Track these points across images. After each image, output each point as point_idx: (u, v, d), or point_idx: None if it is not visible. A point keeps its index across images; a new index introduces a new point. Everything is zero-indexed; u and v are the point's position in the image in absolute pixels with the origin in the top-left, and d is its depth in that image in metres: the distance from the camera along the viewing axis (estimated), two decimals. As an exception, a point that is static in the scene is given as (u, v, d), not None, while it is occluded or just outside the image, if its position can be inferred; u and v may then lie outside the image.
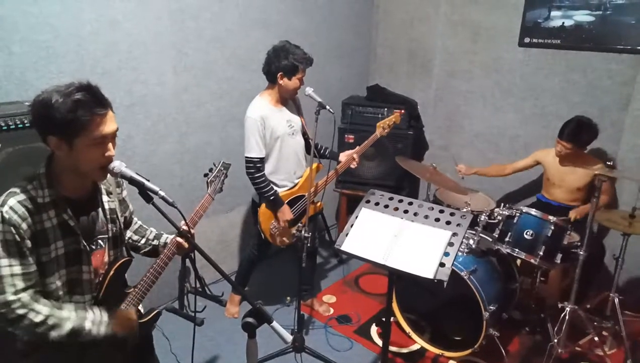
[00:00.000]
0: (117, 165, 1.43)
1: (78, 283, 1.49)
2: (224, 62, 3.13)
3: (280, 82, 2.66)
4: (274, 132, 2.72)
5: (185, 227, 1.68)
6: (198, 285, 3.22)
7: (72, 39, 2.37)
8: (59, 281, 1.44)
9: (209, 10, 2.96)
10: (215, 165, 2.04)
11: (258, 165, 2.71)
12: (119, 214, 1.63)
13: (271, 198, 2.74)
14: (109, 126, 1.38)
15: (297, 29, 3.50)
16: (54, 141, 1.34)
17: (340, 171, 2.96)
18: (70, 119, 1.30)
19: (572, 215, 2.95)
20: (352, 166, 2.96)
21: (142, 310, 1.72)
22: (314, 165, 2.89)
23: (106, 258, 1.59)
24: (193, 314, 3.06)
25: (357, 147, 2.99)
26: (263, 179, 2.72)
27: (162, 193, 1.45)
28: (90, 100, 1.33)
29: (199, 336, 2.85)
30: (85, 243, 1.48)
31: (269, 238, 2.86)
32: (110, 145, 1.41)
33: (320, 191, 2.90)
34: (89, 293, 1.52)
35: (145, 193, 1.47)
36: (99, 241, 1.55)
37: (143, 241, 1.81)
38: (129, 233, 1.78)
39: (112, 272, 1.58)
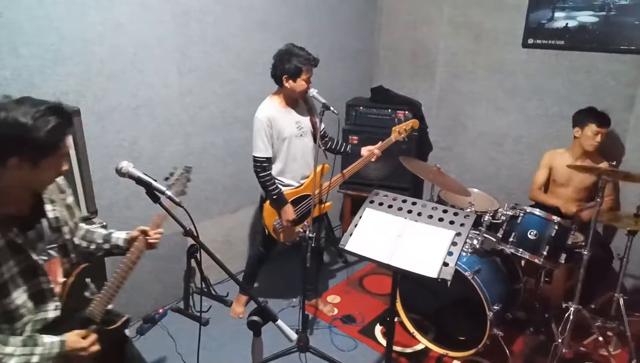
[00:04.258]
0: (124, 165, 1.45)
1: (40, 294, 1.48)
2: (227, 64, 3.15)
3: (286, 84, 2.68)
4: (281, 133, 2.74)
5: (151, 232, 1.66)
6: (203, 285, 3.24)
7: (77, 41, 2.40)
8: (19, 299, 1.42)
9: (212, 13, 2.98)
10: (175, 169, 1.91)
11: (264, 164, 2.74)
12: (68, 220, 1.61)
13: (274, 196, 2.78)
14: (68, 143, 1.42)
15: (300, 31, 3.52)
16: (15, 162, 1.32)
17: (360, 166, 2.94)
18: (48, 142, 1.32)
19: (585, 215, 2.93)
20: (372, 160, 2.95)
21: (120, 315, 1.70)
22: (322, 166, 2.91)
23: (60, 267, 1.57)
24: (198, 314, 3.09)
25: (380, 143, 2.98)
26: (268, 177, 2.75)
27: (168, 193, 1.47)
28: (64, 122, 1.36)
29: (204, 336, 2.86)
30: (37, 257, 1.46)
31: (272, 234, 2.90)
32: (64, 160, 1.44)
33: (326, 192, 2.91)
34: (52, 302, 1.51)
35: (153, 194, 1.48)
36: (50, 251, 1.53)
37: (93, 246, 1.75)
38: (77, 241, 1.71)
39: (73, 278, 1.56)
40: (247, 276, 3.21)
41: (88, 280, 1.64)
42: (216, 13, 3.00)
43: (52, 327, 1.49)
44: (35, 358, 1.39)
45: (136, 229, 1.68)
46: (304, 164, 2.89)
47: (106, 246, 1.74)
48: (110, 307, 1.64)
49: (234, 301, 3.21)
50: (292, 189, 2.87)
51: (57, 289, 1.53)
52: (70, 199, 1.66)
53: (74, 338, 1.49)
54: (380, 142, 2.98)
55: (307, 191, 2.91)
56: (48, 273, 1.49)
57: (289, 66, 2.63)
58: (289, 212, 2.82)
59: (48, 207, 1.54)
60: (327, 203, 3.02)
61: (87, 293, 1.63)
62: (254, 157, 2.75)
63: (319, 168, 2.88)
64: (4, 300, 1.39)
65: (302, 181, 2.91)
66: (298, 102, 2.84)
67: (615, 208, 3.22)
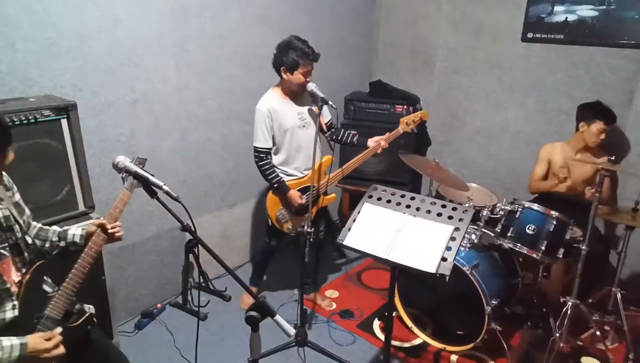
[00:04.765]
0: (121, 160, 1.44)
1: None
2: (225, 59, 3.14)
3: (284, 76, 2.68)
4: (282, 124, 2.75)
5: (108, 225, 1.63)
6: (201, 280, 3.25)
7: (75, 36, 2.39)
8: None
9: (211, 8, 2.96)
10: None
11: (262, 155, 2.77)
12: (18, 218, 1.58)
13: (275, 185, 2.79)
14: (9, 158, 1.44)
15: (298, 26, 3.50)
16: None
17: (367, 156, 2.93)
18: None
19: (588, 193, 2.92)
20: (378, 151, 2.93)
21: (85, 309, 1.68)
22: (326, 158, 2.90)
23: (14, 266, 1.54)
24: (196, 309, 3.09)
25: (387, 134, 2.96)
26: (267, 166, 2.77)
27: (166, 188, 1.46)
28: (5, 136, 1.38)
29: (203, 330, 2.86)
30: None
31: (275, 223, 2.90)
32: None
33: (332, 183, 2.91)
34: (9, 302, 1.48)
35: (150, 188, 1.48)
36: (1, 251, 1.51)
37: (48, 245, 1.71)
38: (29, 240, 1.66)
39: (28, 276, 1.53)
40: (255, 268, 3.23)
41: (45, 277, 1.60)
42: (214, 8, 2.98)
43: (11, 328, 1.46)
44: None
45: (93, 224, 1.66)
46: (308, 155, 2.88)
47: (62, 244, 1.71)
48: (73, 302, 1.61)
49: (243, 292, 3.20)
50: (295, 180, 2.88)
51: (13, 289, 1.50)
52: (17, 197, 1.63)
53: (36, 340, 1.44)
54: (387, 133, 2.97)
55: (310, 182, 2.90)
56: (2, 274, 1.47)
57: (286, 59, 2.62)
58: (295, 196, 2.82)
59: None
60: (331, 196, 3.02)
61: (47, 289, 1.58)
62: (254, 147, 2.77)
63: (323, 159, 2.89)
64: None
65: (305, 172, 2.91)
66: (301, 94, 2.81)
67: (612, 202, 3.21)
